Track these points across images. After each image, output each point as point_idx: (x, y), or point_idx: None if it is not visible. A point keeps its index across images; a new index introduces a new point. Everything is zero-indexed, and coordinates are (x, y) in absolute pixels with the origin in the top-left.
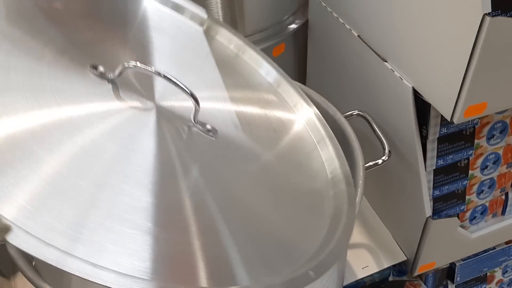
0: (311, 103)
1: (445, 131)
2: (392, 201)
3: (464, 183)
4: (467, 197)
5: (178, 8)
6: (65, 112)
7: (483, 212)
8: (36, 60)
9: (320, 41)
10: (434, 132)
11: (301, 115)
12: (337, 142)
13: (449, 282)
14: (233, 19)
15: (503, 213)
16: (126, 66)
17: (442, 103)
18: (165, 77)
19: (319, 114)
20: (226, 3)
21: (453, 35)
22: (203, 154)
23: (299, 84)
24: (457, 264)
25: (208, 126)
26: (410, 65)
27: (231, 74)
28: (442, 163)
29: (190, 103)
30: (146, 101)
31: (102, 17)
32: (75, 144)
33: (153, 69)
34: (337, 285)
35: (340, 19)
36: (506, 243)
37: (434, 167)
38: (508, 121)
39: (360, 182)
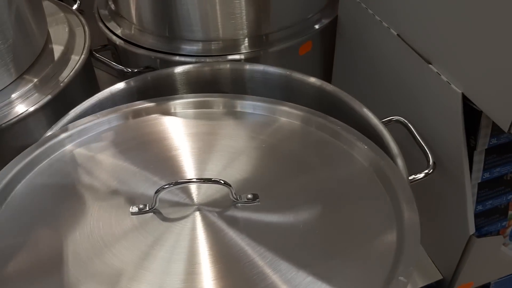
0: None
1: (495, 141)
2: (430, 216)
3: (508, 198)
4: (509, 212)
5: None
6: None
7: None
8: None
9: (350, 40)
10: (483, 143)
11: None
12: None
13: None
14: (257, 15)
15: None
16: (157, 193)
17: (498, 112)
18: (182, 182)
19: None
20: None
21: None
22: (258, 219)
23: (331, 86)
24: (491, 282)
25: (249, 195)
26: (460, 68)
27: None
28: (488, 176)
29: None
30: (188, 206)
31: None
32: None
33: (174, 183)
34: None
35: (376, 16)
36: None
37: (479, 181)
38: None
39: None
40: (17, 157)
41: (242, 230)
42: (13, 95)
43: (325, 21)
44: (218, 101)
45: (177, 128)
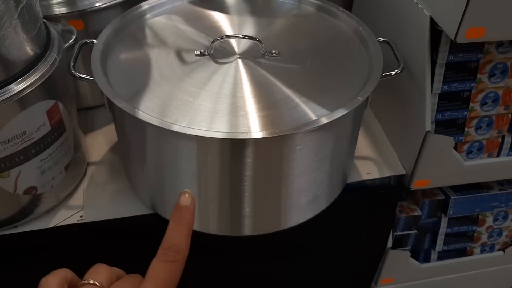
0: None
1: (452, 58)
2: (398, 117)
3: (464, 114)
4: (466, 129)
5: None
6: (193, 76)
7: (480, 149)
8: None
9: None
10: (442, 57)
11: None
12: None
13: (442, 215)
14: None
15: (498, 155)
16: (213, 42)
17: (450, 26)
18: (231, 36)
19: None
20: None
21: None
22: (277, 65)
23: (345, 11)
24: (451, 197)
25: (273, 51)
26: None
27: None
28: (446, 88)
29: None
30: (232, 55)
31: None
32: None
33: (225, 36)
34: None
35: None
36: (500, 190)
37: (439, 91)
38: (509, 64)
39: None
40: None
41: (268, 69)
42: None
43: None
44: None
45: (228, 7)
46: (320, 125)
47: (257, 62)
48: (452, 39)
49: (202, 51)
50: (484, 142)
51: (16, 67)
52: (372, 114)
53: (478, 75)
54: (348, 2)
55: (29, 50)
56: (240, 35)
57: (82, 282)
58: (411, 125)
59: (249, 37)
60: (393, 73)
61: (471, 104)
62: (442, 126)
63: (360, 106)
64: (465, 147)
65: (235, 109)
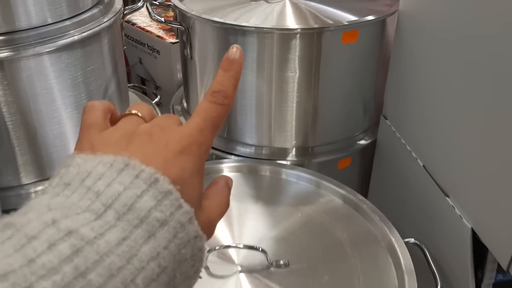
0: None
1: (501, 278)
2: None
3: None
4: None
5: None
6: None
7: None
8: None
9: (386, 162)
10: (489, 277)
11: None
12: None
13: None
14: (305, 129)
15: None
16: (208, 251)
17: (500, 250)
18: (231, 247)
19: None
20: (301, 114)
21: None
22: (288, 280)
23: (365, 200)
24: None
25: (281, 262)
26: (471, 204)
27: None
28: None
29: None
30: (231, 264)
31: None
32: None
33: (223, 246)
34: None
35: (407, 146)
36: None
37: None
38: None
39: None
40: None
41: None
42: None
43: (366, 142)
44: (265, 168)
45: None
46: None
47: (264, 275)
48: (505, 269)
49: None
50: None
51: None
52: None
53: None
54: (364, 187)
55: None
56: (241, 245)
57: (124, 113)
58: None
59: (251, 247)
60: None
61: None
62: None
63: None
64: None
65: None
